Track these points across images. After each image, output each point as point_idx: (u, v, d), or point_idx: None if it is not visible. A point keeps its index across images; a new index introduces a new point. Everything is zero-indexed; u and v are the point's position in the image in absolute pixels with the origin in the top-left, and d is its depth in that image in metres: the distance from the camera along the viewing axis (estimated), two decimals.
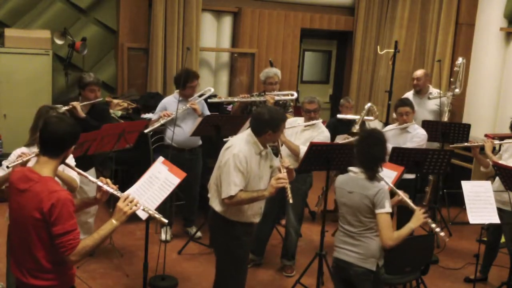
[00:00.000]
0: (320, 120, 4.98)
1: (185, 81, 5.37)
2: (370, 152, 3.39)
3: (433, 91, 6.36)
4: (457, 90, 6.32)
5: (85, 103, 4.90)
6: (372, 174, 3.41)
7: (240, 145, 3.64)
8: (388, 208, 3.32)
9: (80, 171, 2.96)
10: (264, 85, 6.00)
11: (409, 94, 6.46)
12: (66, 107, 4.72)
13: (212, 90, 5.85)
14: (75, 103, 4.77)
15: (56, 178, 3.67)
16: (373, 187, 3.37)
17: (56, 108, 2.75)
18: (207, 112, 5.59)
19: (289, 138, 4.83)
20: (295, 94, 5.97)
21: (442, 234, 3.57)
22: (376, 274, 3.40)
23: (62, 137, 2.64)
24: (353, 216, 3.44)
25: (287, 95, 5.94)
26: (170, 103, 5.44)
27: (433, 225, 3.57)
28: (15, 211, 2.67)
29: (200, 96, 5.63)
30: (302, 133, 4.93)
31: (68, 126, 2.67)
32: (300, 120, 5.02)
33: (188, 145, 5.47)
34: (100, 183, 2.80)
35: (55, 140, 2.64)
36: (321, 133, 4.91)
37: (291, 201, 3.65)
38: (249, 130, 3.72)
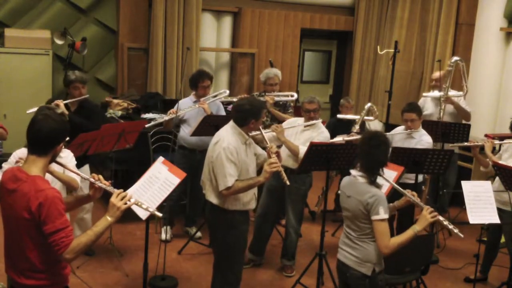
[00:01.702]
0: (320, 120, 4.98)
1: (197, 81, 5.41)
2: (371, 154, 3.31)
3: (453, 92, 6.15)
4: (460, 92, 6.19)
5: (70, 100, 4.93)
6: (372, 178, 3.32)
7: (227, 137, 3.78)
8: (383, 215, 3.22)
9: (72, 168, 2.94)
10: (264, 86, 6.01)
11: (428, 95, 6.36)
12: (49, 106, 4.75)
13: (227, 92, 5.86)
14: (57, 101, 4.80)
15: (54, 179, 3.70)
16: (368, 192, 3.27)
17: (54, 108, 2.70)
18: (223, 113, 5.60)
19: (289, 138, 4.84)
20: (295, 95, 5.98)
21: (456, 230, 3.40)
22: (371, 279, 3.33)
23: (48, 135, 2.59)
24: (351, 221, 3.40)
25: (287, 96, 5.95)
26: (184, 103, 5.47)
27: (445, 223, 3.41)
28: (6, 211, 2.65)
29: (214, 97, 5.60)
30: (302, 133, 4.93)
31: (54, 124, 2.60)
32: (300, 120, 5.02)
33: (200, 146, 5.42)
34: (92, 180, 2.78)
35: (41, 138, 2.59)
36: (320, 134, 4.90)
37: (287, 182, 3.81)
38: (231, 123, 3.88)
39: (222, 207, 3.83)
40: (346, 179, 3.53)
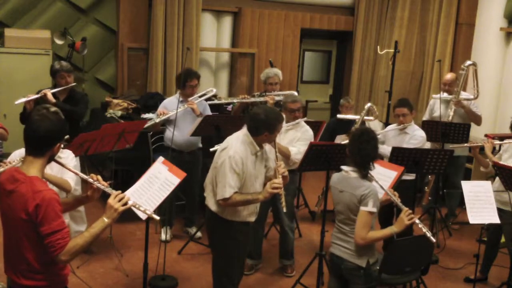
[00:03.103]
0: (304, 119, 4.96)
1: (185, 80, 5.35)
2: (362, 149, 3.42)
3: (464, 95, 6.10)
4: (470, 96, 6.06)
5: (58, 89, 5.04)
6: (364, 172, 3.44)
7: (236, 145, 3.62)
8: (370, 208, 3.34)
9: (71, 168, 2.91)
10: (264, 86, 6.01)
11: (437, 97, 6.34)
12: (37, 95, 4.84)
13: (214, 91, 5.82)
14: (45, 90, 4.91)
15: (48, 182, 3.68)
16: (362, 186, 3.40)
17: (48, 107, 2.67)
18: (209, 113, 5.54)
19: None
20: (296, 94, 5.96)
21: (432, 239, 3.50)
22: (366, 270, 3.45)
23: (44, 135, 2.57)
24: (345, 215, 3.50)
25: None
26: (171, 103, 5.43)
27: (420, 226, 3.50)
28: (4, 212, 2.64)
29: (201, 96, 5.57)
30: (286, 133, 4.86)
31: (51, 124, 2.58)
32: None
33: (187, 147, 5.42)
34: (90, 180, 2.75)
35: (38, 139, 2.57)
36: (305, 132, 4.86)
37: (285, 209, 3.72)
38: (245, 130, 3.70)
39: (220, 216, 3.72)
40: (337, 175, 3.62)
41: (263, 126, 3.61)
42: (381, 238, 3.48)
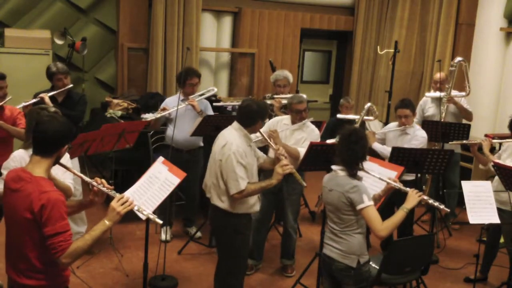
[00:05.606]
0: (311, 119, 4.94)
1: (185, 78, 5.35)
2: (351, 149, 3.43)
3: (455, 92, 6.08)
4: (462, 93, 6.12)
5: (55, 92, 5.04)
6: (352, 172, 3.45)
7: (235, 140, 3.75)
8: (367, 202, 3.35)
9: (75, 171, 2.92)
10: (273, 88, 6.00)
11: (431, 95, 6.34)
12: (34, 100, 4.85)
13: (215, 89, 5.82)
14: (43, 95, 4.91)
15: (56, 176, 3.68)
16: (348, 184, 3.40)
17: (47, 108, 2.70)
18: (211, 113, 5.52)
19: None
20: (303, 96, 5.93)
21: (442, 206, 3.55)
22: (356, 270, 3.44)
23: (53, 136, 2.61)
24: (334, 214, 3.50)
25: None
26: (173, 102, 5.43)
27: (430, 201, 3.56)
28: (7, 211, 2.65)
29: (201, 95, 5.56)
30: (292, 134, 4.87)
31: (60, 125, 2.63)
32: (286, 120, 4.95)
33: (187, 146, 5.41)
34: (95, 183, 2.77)
35: (46, 139, 2.61)
36: (311, 132, 4.86)
37: (304, 184, 3.96)
38: (236, 124, 3.85)
39: (230, 211, 3.78)
40: (328, 175, 3.64)
41: (257, 115, 3.84)
42: (398, 222, 3.41)
